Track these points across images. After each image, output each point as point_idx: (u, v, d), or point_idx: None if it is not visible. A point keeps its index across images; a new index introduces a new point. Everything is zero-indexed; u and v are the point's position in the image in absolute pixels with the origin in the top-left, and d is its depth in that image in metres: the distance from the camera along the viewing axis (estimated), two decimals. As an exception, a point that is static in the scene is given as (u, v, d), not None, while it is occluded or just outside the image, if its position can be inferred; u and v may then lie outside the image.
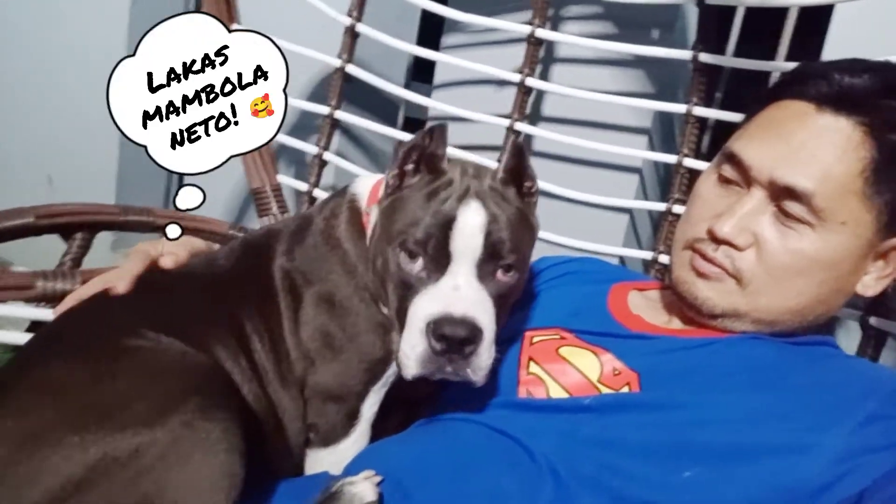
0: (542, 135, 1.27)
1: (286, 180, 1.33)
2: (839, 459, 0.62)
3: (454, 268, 0.67)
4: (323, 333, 0.76)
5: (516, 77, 1.24)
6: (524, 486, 0.64)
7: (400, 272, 0.69)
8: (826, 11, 1.15)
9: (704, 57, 1.11)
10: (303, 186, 1.34)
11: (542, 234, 1.17)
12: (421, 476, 0.67)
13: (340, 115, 1.33)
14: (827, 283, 0.74)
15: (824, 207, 0.70)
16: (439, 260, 0.67)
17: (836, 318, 1.03)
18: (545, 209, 1.30)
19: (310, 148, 1.35)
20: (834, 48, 1.13)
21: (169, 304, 0.76)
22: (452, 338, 0.64)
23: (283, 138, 1.35)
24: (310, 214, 0.84)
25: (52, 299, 0.92)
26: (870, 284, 0.76)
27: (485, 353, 0.65)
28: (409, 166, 0.72)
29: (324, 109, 1.33)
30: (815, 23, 1.14)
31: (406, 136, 1.35)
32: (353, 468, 0.73)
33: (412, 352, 0.65)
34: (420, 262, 0.68)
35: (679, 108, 1.15)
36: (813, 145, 0.71)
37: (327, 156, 1.34)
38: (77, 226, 1.04)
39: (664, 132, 1.42)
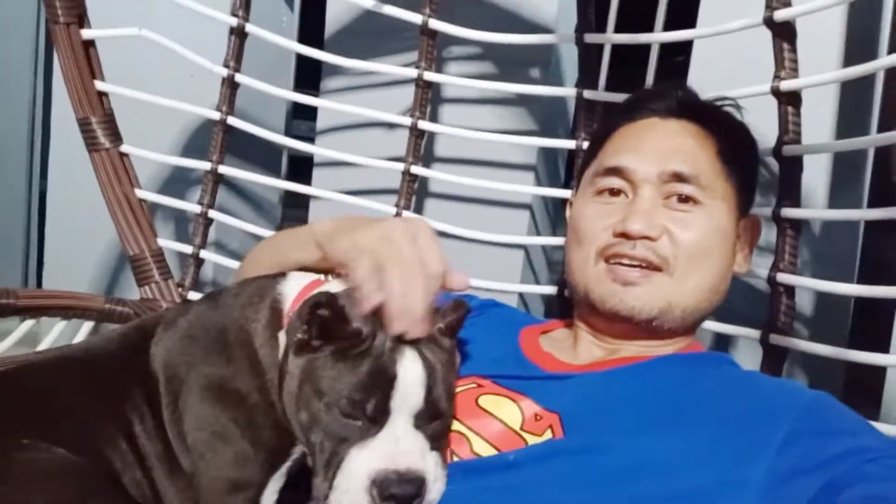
0: (436, 176, 1.26)
1: (167, 244, 1.24)
2: (767, 489, 0.62)
3: (393, 420, 0.64)
4: (209, 424, 0.70)
5: (408, 120, 1.22)
6: None
7: (331, 425, 0.64)
8: (688, 46, 1.23)
9: (588, 93, 1.14)
10: (187, 249, 1.25)
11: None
12: None
13: (224, 169, 1.25)
14: (726, 256, 0.82)
15: (708, 184, 0.80)
16: (377, 415, 0.63)
17: (734, 337, 1.07)
18: (444, 248, 1.30)
19: (192, 207, 1.26)
20: (696, 76, 1.20)
21: (53, 406, 0.68)
22: (401, 497, 0.61)
23: (161, 198, 1.26)
24: (220, 295, 0.77)
25: None
26: (741, 263, 0.86)
27: (431, 493, 0.63)
28: (314, 333, 0.66)
29: (205, 165, 1.25)
30: (679, 50, 1.23)
31: (290, 186, 1.30)
32: None
33: None
34: (356, 419, 0.64)
35: (568, 143, 1.17)
36: (675, 141, 0.83)
37: (213, 213, 1.25)
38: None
39: (549, 168, 1.45)
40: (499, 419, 0.73)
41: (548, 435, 0.71)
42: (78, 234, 1.71)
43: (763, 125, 0.95)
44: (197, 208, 1.25)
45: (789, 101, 0.95)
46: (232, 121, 1.24)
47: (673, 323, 0.80)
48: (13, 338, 1.06)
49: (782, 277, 0.96)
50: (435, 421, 0.66)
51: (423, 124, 1.22)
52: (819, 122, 1.12)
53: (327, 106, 1.30)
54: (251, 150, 1.50)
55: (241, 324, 0.73)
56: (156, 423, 0.70)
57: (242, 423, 0.69)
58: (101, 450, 0.65)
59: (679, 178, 0.80)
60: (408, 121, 1.22)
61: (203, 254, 1.25)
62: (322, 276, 0.74)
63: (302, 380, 0.66)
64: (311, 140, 1.48)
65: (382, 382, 0.63)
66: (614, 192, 0.83)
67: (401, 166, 1.22)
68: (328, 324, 0.64)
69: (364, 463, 0.62)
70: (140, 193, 1.22)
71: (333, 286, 0.71)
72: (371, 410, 0.63)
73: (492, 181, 1.21)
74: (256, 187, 1.60)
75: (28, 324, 1.07)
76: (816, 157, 1.11)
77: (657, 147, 0.82)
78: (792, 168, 0.96)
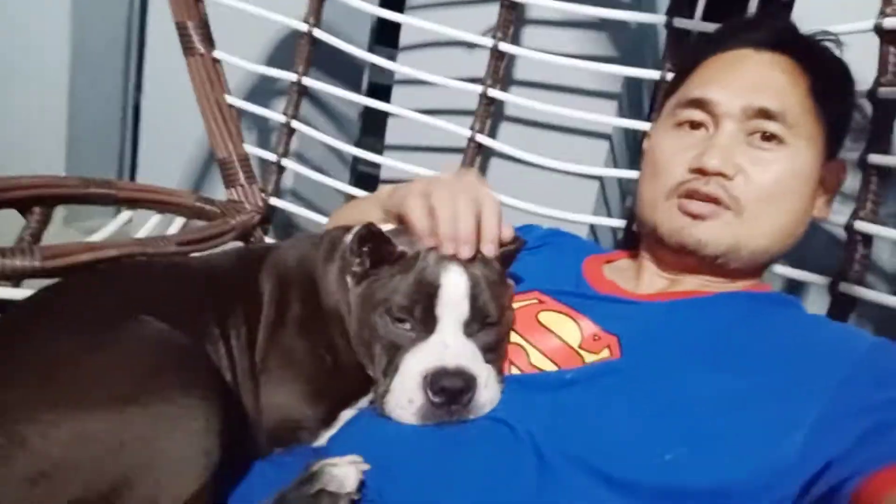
0: (514, 100, 1.25)
1: (253, 150, 1.29)
2: (815, 431, 0.62)
3: (441, 327, 0.69)
4: (295, 357, 0.76)
5: (489, 41, 1.22)
6: (508, 467, 0.64)
7: (387, 334, 0.70)
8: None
9: (679, 21, 1.10)
10: (271, 157, 1.30)
11: (512, 200, 1.19)
12: (402, 456, 0.66)
13: (308, 81, 1.29)
14: (804, 200, 0.80)
15: (795, 123, 0.77)
16: (426, 322, 0.69)
17: (804, 283, 1.05)
18: (516, 176, 1.30)
19: (276, 116, 1.31)
20: (802, 12, 1.13)
21: (160, 291, 0.76)
22: (451, 389, 0.65)
23: (248, 106, 1.31)
24: (308, 243, 0.84)
25: (11, 277, 0.88)
26: (821, 208, 0.83)
27: (482, 397, 0.67)
28: (367, 263, 0.73)
29: (291, 76, 1.28)
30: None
31: (371, 102, 1.32)
32: (332, 445, 0.73)
33: (410, 405, 0.67)
34: (407, 325, 0.69)
35: (653, 74, 1.14)
36: (766, 76, 0.79)
37: (295, 124, 1.30)
38: (35, 199, 1.00)
39: (632, 99, 1.42)
40: (557, 335, 0.76)
41: (605, 354, 0.72)
42: (170, 134, 1.79)
43: (862, 65, 0.90)
44: (282, 118, 1.30)
45: (891, 40, 0.90)
46: (318, 33, 1.27)
47: (739, 262, 0.79)
48: (112, 227, 1.14)
49: (860, 225, 0.93)
50: (484, 329, 0.71)
51: (504, 46, 1.21)
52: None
53: (410, 22, 1.30)
54: (335, 66, 1.53)
55: (321, 273, 0.79)
56: (249, 340, 0.76)
57: (326, 363, 0.75)
58: (194, 333, 0.71)
59: (765, 114, 0.77)
60: (489, 41, 1.21)
61: (285, 162, 1.30)
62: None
63: (363, 301, 0.73)
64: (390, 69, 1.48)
65: (427, 290, 0.68)
66: (695, 125, 0.81)
67: (479, 88, 1.23)
68: (376, 250, 0.71)
69: (417, 363, 0.67)
70: (230, 99, 1.27)
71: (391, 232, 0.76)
72: (419, 315, 0.68)
73: (572, 108, 1.20)
74: (338, 103, 1.63)
75: (126, 215, 1.15)
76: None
77: (745, 80, 0.79)
78: (886, 112, 0.92)
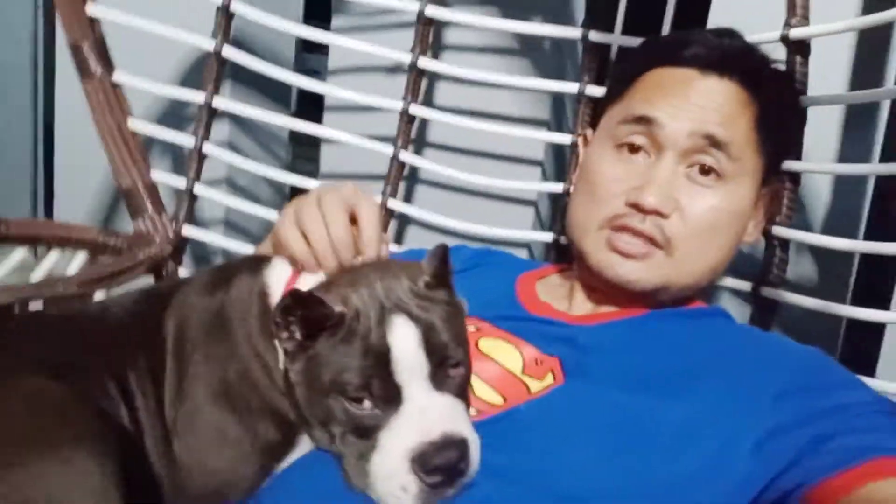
0: (440, 119, 1.22)
1: (162, 177, 1.22)
2: (759, 446, 0.62)
3: (408, 394, 0.59)
4: (211, 420, 0.68)
5: (407, 58, 1.19)
6: None
7: (349, 419, 0.60)
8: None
9: (594, 35, 1.11)
10: (181, 183, 1.23)
11: (445, 221, 1.17)
12: None
13: (219, 102, 1.22)
14: (737, 235, 0.79)
15: (738, 157, 0.75)
16: (389, 394, 0.59)
17: (725, 289, 1.07)
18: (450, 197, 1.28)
19: (185, 139, 1.24)
20: (715, 20, 1.15)
21: (54, 350, 0.69)
22: (446, 466, 0.57)
23: (154, 130, 1.23)
24: (223, 276, 0.75)
25: None
26: (751, 232, 0.83)
27: (475, 454, 0.60)
28: (298, 335, 0.63)
29: (199, 97, 1.22)
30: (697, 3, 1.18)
31: (293, 123, 1.27)
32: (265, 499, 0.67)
33: (406, 494, 0.57)
34: (368, 403, 0.60)
35: (571, 87, 1.14)
36: (714, 101, 0.76)
37: (207, 148, 1.23)
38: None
39: (558, 121, 1.42)
40: (499, 363, 0.73)
41: (549, 379, 0.71)
42: (82, 167, 1.68)
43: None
44: (191, 141, 1.23)
45: (798, 49, 0.92)
46: (227, 52, 1.21)
47: (669, 297, 0.79)
48: (7, 266, 1.05)
49: (777, 230, 0.96)
50: (453, 371, 0.62)
51: (424, 62, 1.19)
52: (834, 72, 1.09)
53: (330, 41, 1.26)
54: (262, 83, 1.42)
55: (237, 324, 0.71)
56: (157, 398, 0.69)
57: (244, 421, 0.68)
58: (91, 389, 0.66)
59: (711, 141, 0.75)
60: (407, 58, 1.18)
61: (197, 188, 1.23)
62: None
63: (308, 383, 0.63)
64: (321, 75, 1.42)
65: (377, 359, 0.59)
66: (635, 149, 0.78)
67: (399, 106, 1.19)
68: (306, 318, 0.61)
69: (397, 443, 0.58)
70: (133, 124, 1.19)
71: (308, 278, 0.70)
72: (378, 391, 0.59)
73: (496, 126, 1.19)
74: (267, 123, 1.56)
75: (21, 252, 1.07)
76: (827, 110, 1.09)
77: (694, 103, 0.76)
78: (798, 121, 0.94)
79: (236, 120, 1.49)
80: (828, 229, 0.97)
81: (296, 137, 1.64)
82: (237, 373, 0.69)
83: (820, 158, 1.10)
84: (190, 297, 0.74)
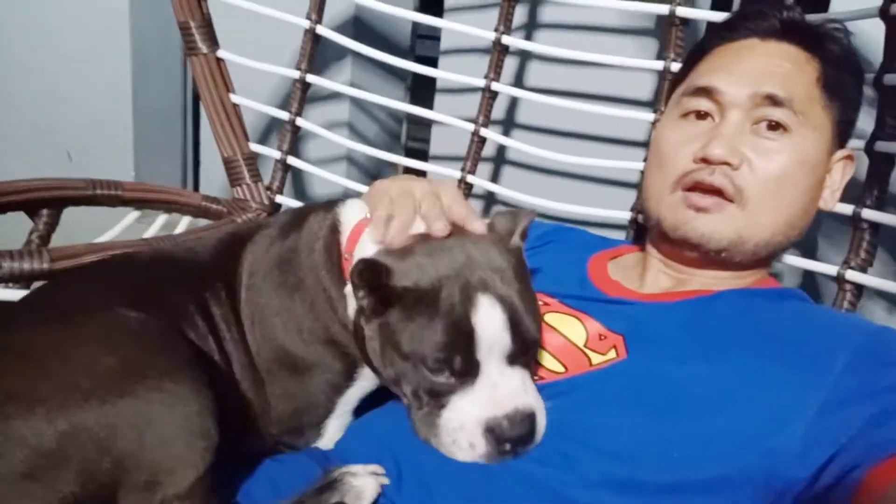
0: (530, 98, 1.24)
1: (258, 148, 1.30)
2: (816, 419, 0.62)
3: (486, 369, 0.63)
4: (279, 348, 0.74)
5: (491, 35, 1.20)
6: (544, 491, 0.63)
7: (424, 382, 0.64)
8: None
9: (682, 11, 1.09)
10: (276, 154, 1.31)
11: (522, 197, 1.19)
12: (416, 456, 0.66)
13: (312, 78, 1.29)
14: (809, 191, 0.79)
15: (801, 111, 0.77)
16: (468, 369, 0.63)
17: (812, 273, 1.04)
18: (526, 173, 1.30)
19: (280, 114, 1.31)
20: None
21: (144, 284, 0.75)
22: (518, 438, 0.62)
23: (253, 104, 1.31)
24: (296, 219, 0.80)
25: (20, 279, 0.90)
26: (828, 198, 0.83)
27: (542, 425, 0.64)
28: (373, 302, 0.66)
29: (294, 73, 1.28)
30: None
31: (384, 101, 1.32)
32: (346, 446, 0.73)
33: (472, 449, 0.62)
34: (446, 373, 0.63)
35: (657, 64, 1.13)
36: (772, 63, 0.79)
37: (299, 121, 1.30)
38: (42, 202, 1.01)
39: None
40: (563, 335, 0.76)
41: (611, 354, 0.72)
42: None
43: (867, 51, 0.89)
44: (285, 115, 1.30)
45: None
46: (320, 30, 1.26)
47: (743, 256, 0.78)
48: (120, 227, 1.15)
49: (867, 214, 0.92)
50: (529, 351, 0.66)
51: (507, 39, 1.20)
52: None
53: (440, 25, 1.29)
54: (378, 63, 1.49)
55: (306, 246, 0.76)
56: (232, 309, 0.76)
57: (310, 350, 0.73)
58: (179, 320, 0.72)
59: (771, 100, 0.77)
60: (491, 35, 1.20)
61: (290, 160, 1.30)
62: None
63: (381, 342, 0.66)
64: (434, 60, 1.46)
65: (462, 338, 0.61)
66: (701, 116, 0.81)
67: (482, 83, 1.22)
68: (377, 288, 0.63)
69: (471, 410, 0.62)
70: (235, 98, 1.28)
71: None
72: (459, 366, 0.62)
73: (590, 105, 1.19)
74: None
75: (133, 215, 1.16)
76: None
77: (752, 68, 0.79)
78: (893, 99, 0.90)
79: (355, 102, 1.56)
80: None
81: (410, 118, 1.70)
82: (303, 303, 0.74)
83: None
84: (266, 233, 0.80)
